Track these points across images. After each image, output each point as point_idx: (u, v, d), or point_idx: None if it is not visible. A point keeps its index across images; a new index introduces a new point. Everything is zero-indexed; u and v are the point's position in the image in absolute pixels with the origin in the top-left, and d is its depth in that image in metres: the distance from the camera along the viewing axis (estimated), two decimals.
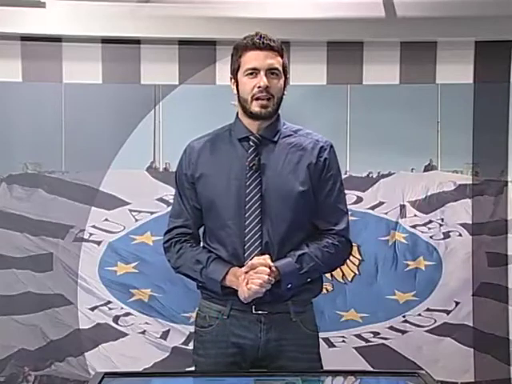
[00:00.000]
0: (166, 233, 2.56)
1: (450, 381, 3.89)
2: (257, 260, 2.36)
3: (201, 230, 2.58)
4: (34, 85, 3.90)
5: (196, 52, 3.88)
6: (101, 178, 3.94)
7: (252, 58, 2.40)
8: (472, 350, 3.92)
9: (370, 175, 4.02)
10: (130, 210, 3.98)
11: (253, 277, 2.33)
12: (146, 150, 3.98)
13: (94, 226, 3.96)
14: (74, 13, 3.76)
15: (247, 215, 2.40)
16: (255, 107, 2.41)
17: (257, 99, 2.40)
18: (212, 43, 3.85)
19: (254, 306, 2.41)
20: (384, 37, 3.87)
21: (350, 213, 3.96)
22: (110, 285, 3.93)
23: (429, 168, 4.01)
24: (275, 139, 2.47)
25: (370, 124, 3.96)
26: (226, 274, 2.40)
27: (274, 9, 3.78)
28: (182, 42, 3.88)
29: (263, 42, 2.39)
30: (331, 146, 2.51)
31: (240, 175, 2.43)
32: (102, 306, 3.92)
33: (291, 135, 2.50)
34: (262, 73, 2.38)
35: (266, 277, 2.33)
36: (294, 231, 2.43)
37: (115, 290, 3.93)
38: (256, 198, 2.40)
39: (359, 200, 4.01)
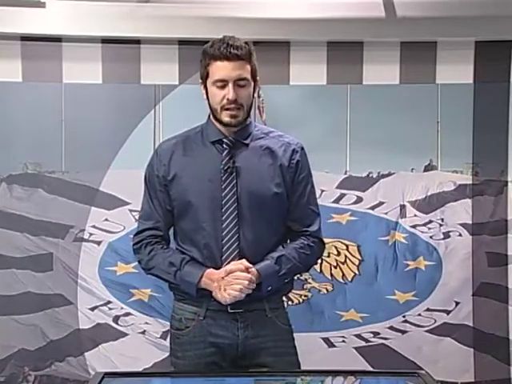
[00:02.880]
0: (135, 234, 2.55)
1: (450, 381, 3.89)
2: (234, 266, 2.36)
3: (171, 232, 2.57)
4: (33, 85, 3.90)
5: (196, 52, 3.83)
6: (101, 178, 3.94)
7: (220, 69, 2.39)
8: (472, 350, 3.92)
9: (370, 175, 4.02)
10: (130, 210, 3.98)
11: (232, 282, 2.34)
12: (146, 150, 3.96)
13: (94, 226, 3.96)
14: (74, 13, 3.76)
15: (224, 218, 2.40)
16: (225, 117, 2.41)
17: (226, 109, 2.40)
18: None
19: (229, 306, 2.41)
20: (384, 37, 3.87)
21: (349, 213, 3.99)
22: (110, 285, 3.93)
23: (429, 168, 4.01)
24: (247, 142, 2.48)
25: (370, 124, 3.96)
26: (202, 276, 2.39)
27: (274, 9, 3.78)
28: (182, 42, 3.89)
29: (230, 52, 2.37)
30: (302, 148, 2.52)
31: (215, 177, 2.43)
32: (102, 306, 3.92)
33: (263, 137, 2.51)
34: (231, 85, 2.38)
35: (246, 282, 2.34)
36: (268, 233, 2.45)
37: (115, 290, 3.93)
38: (232, 200, 2.41)
39: (359, 200, 4.01)
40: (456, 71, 3.93)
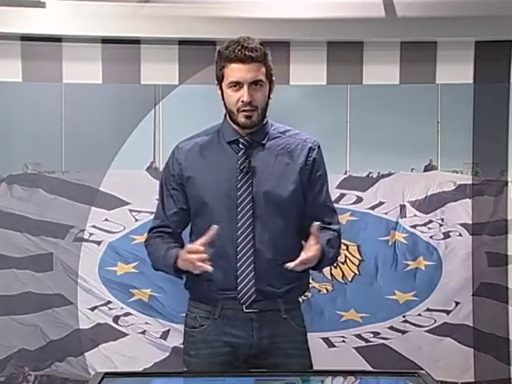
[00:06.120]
0: (147, 233, 2.56)
1: (450, 381, 3.89)
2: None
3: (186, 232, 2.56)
4: (34, 85, 3.90)
5: (196, 52, 3.88)
6: (101, 178, 3.95)
7: (235, 71, 2.38)
8: (472, 350, 3.92)
9: (370, 175, 4.03)
10: (130, 210, 3.98)
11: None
12: (146, 150, 3.99)
13: (94, 226, 3.96)
14: (74, 13, 3.76)
15: (239, 217, 2.41)
16: (241, 118, 2.42)
17: (242, 111, 2.40)
18: (212, 43, 3.85)
19: (244, 305, 2.42)
20: (384, 37, 3.87)
21: (349, 213, 4.00)
22: (110, 285, 3.93)
23: (429, 168, 4.01)
24: (264, 142, 2.48)
25: (369, 124, 3.97)
26: (177, 256, 2.37)
27: (274, 9, 3.78)
28: (182, 42, 3.89)
29: (245, 55, 2.37)
30: (319, 147, 2.52)
31: (231, 177, 2.43)
32: (102, 306, 3.92)
33: (279, 137, 2.51)
34: (245, 86, 2.38)
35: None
36: (284, 233, 2.45)
37: (115, 290, 3.93)
38: (247, 200, 2.41)
39: (359, 200, 4.01)
40: (456, 71, 3.93)
